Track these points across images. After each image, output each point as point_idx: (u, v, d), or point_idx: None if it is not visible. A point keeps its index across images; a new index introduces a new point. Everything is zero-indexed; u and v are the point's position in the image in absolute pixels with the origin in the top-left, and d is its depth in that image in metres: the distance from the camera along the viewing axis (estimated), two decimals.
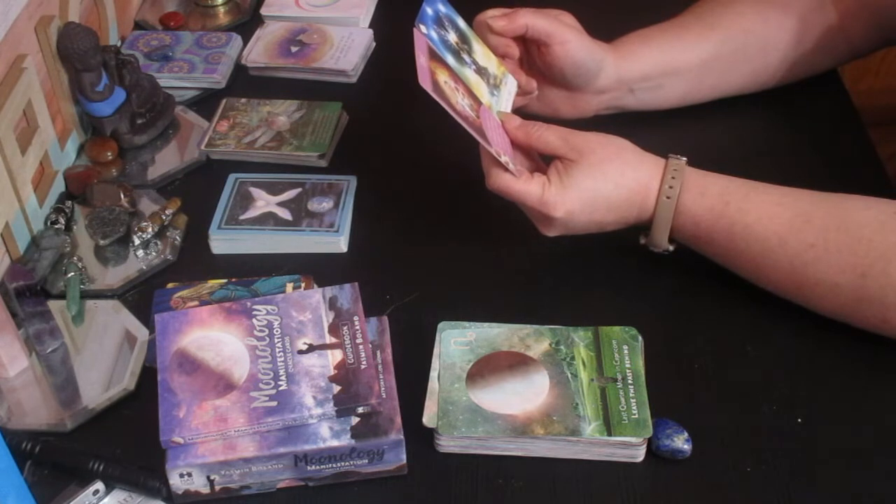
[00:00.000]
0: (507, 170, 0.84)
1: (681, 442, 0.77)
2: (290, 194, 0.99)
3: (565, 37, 0.93)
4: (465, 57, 0.89)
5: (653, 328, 0.85)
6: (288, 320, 0.80)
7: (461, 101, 0.84)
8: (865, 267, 0.79)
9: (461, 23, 0.91)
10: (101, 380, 0.85)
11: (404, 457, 0.76)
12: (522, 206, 0.87)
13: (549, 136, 0.86)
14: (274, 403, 0.75)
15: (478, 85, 0.88)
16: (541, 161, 0.89)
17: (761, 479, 0.76)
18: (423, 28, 0.85)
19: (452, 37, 0.89)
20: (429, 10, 0.88)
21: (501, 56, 0.93)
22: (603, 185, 0.84)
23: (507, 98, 0.92)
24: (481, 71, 0.90)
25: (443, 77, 0.84)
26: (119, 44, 1.18)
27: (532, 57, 0.96)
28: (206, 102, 1.14)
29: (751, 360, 0.84)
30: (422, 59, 0.82)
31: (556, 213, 0.84)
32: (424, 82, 0.80)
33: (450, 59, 0.87)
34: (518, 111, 0.93)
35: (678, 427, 0.77)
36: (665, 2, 1.05)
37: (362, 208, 0.98)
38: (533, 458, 0.78)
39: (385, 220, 0.99)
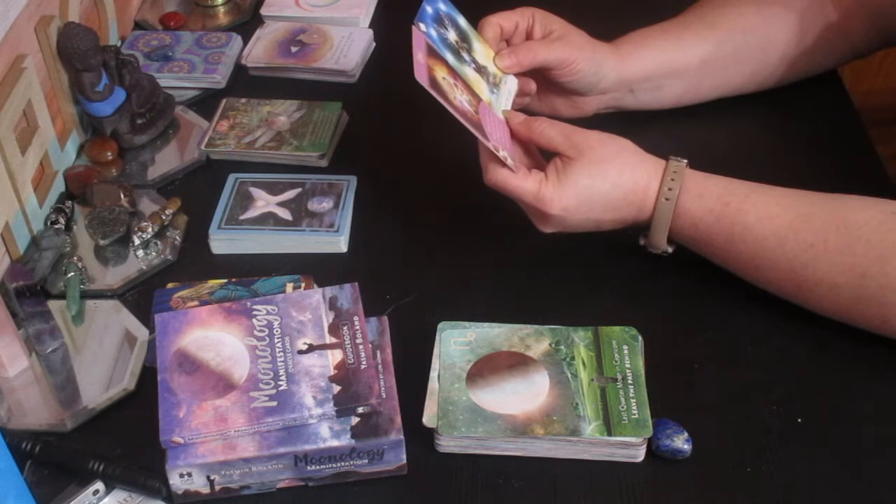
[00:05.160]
0: (504, 165, 0.84)
1: (681, 442, 0.77)
2: (290, 194, 0.99)
3: (573, 58, 0.93)
4: (465, 55, 0.89)
5: (653, 328, 0.85)
6: (288, 320, 0.80)
7: (459, 98, 0.84)
8: (864, 267, 0.79)
9: (462, 21, 0.91)
10: (101, 380, 0.85)
11: (404, 457, 0.76)
12: (519, 202, 0.87)
13: (551, 132, 0.86)
14: (274, 403, 0.75)
15: (477, 83, 0.88)
16: (541, 158, 0.89)
17: (761, 479, 0.76)
18: (422, 26, 0.86)
19: (452, 35, 0.89)
20: (429, 9, 0.88)
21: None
22: (601, 184, 0.84)
23: (506, 97, 0.92)
24: (481, 69, 0.90)
25: (441, 73, 0.84)
26: (119, 44, 1.18)
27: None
28: (206, 102, 1.14)
29: (751, 360, 0.84)
30: (419, 56, 0.82)
31: (551, 209, 0.84)
32: (421, 77, 0.80)
33: (449, 58, 0.87)
34: (518, 110, 0.93)
35: (678, 427, 0.77)
36: (665, 2, 1.05)
37: (362, 208, 0.99)
38: (533, 458, 0.78)
39: (385, 221, 0.99)
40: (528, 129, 0.87)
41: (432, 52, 0.85)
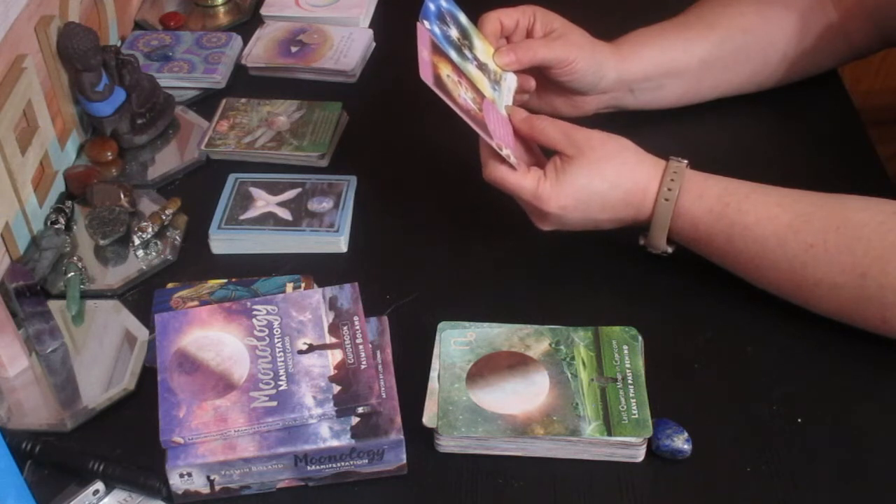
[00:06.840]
0: (504, 162, 0.84)
1: (681, 442, 0.77)
2: (290, 194, 0.99)
3: (572, 57, 0.93)
4: (467, 52, 0.89)
5: (653, 328, 0.85)
6: (288, 320, 0.80)
7: (464, 95, 0.83)
8: (864, 267, 0.79)
9: (463, 18, 0.91)
10: (101, 380, 0.85)
11: (404, 457, 0.76)
12: (517, 199, 0.87)
13: (551, 130, 0.86)
14: (274, 403, 0.75)
15: (480, 80, 0.88)
16: (542, 156, 0.89)
17: (761, 479, 0.76)
18: (426, 23, 0.86)
19: (454, 32, 0.89)
20: (431, 6, 0.88)
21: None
22: (599, 183, 0.84)
23: (507, 94, 0.92)
24: (482, 66, 0.90)
25: (445, 71, 0.84)
26: (119, 44, 1.18)
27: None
28: (206, 102, 1.14)
29: (751, 360, 0.84)
30: (424, 53, 0.82)
31: (548, 207, 0.84)
32: (426, 76, 0.80)
33: (452, 55, 0.87)
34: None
35: (678, 427, 0.77)
36: (665, 2, 1.05)
37: (362, 208, 0.99)
38: (533, 458, 0.78)
39: (385, 220, 0.99)
40: (530, 127, 0.87)
41: (436, 50, 0.85)
